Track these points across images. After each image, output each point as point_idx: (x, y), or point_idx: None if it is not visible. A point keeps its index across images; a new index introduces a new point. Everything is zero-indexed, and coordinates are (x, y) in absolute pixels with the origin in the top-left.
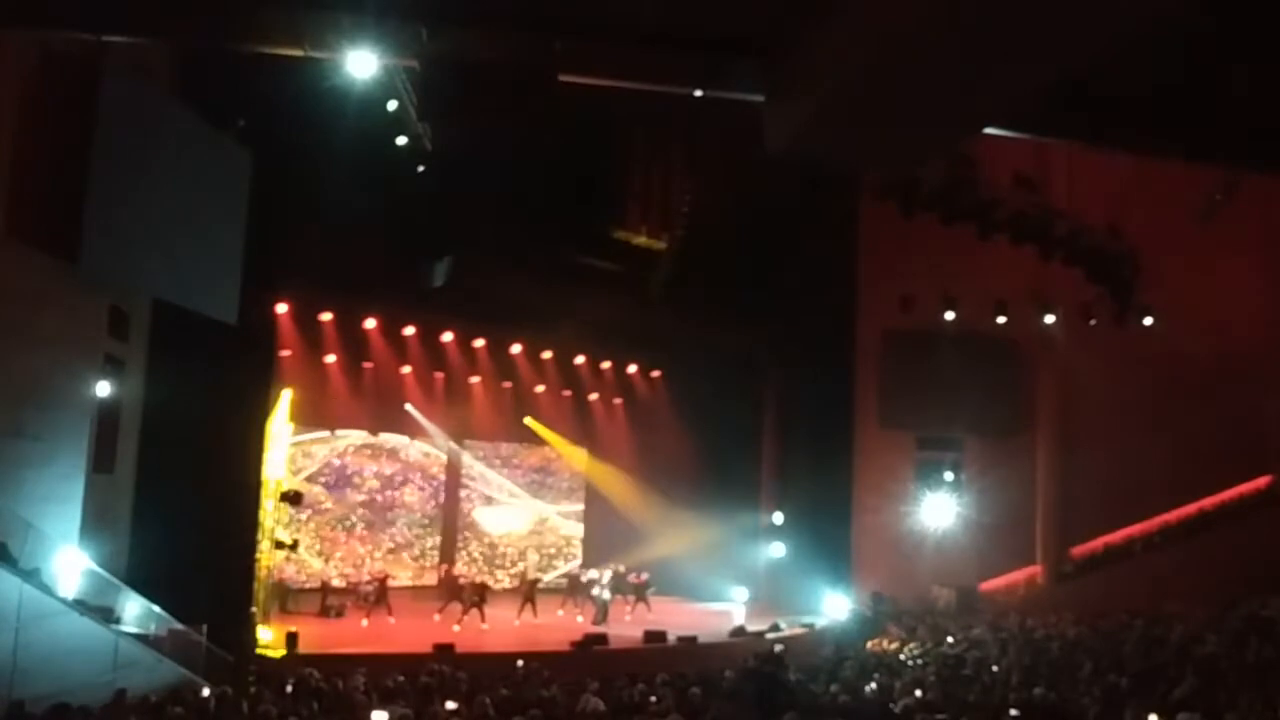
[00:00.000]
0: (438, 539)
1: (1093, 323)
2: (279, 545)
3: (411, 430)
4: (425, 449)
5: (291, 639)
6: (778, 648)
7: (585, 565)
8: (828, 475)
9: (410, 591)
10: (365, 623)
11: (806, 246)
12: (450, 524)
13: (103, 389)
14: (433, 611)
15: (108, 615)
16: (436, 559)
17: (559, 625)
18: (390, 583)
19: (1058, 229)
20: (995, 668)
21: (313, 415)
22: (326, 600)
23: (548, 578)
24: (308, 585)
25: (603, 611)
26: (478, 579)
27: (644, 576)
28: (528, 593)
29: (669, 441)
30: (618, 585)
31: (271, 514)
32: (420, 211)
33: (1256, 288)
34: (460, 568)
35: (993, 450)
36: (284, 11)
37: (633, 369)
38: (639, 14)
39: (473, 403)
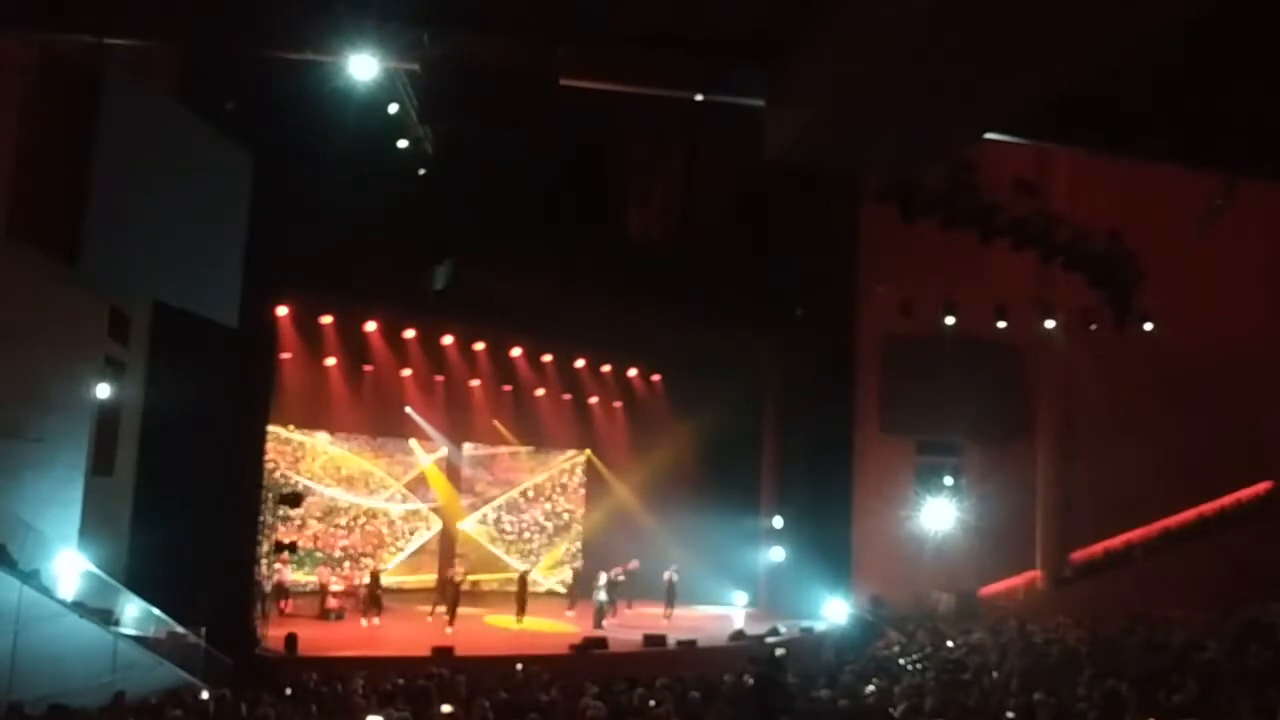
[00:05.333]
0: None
1: (1093, 328)
2: (279, 547)
3: (412, 433)
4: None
5: (291, 641)
6: (778, 651)
7: (585, 568)
8: (827, 479)
9: (409, 594)
10: (365, 624)
11: (807, 250)
12: (450, 526)
13: (103, 391)
14: (427, 613)
15: (107, 617)
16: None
17: (559, 629)
18: (382, 582)
19: (1058, 234)
20: (995, 673)
21: (312, 418)
22: (326, 603)
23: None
24: (307, 588)
25: (600, 614)
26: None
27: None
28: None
29: (669, 445)
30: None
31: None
32: (421, 214)
33: (1258, 294)
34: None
35: (993, 455)
36: (286, 14)
37: (633, 372)
38: (640, 18)
39: (473, 405)
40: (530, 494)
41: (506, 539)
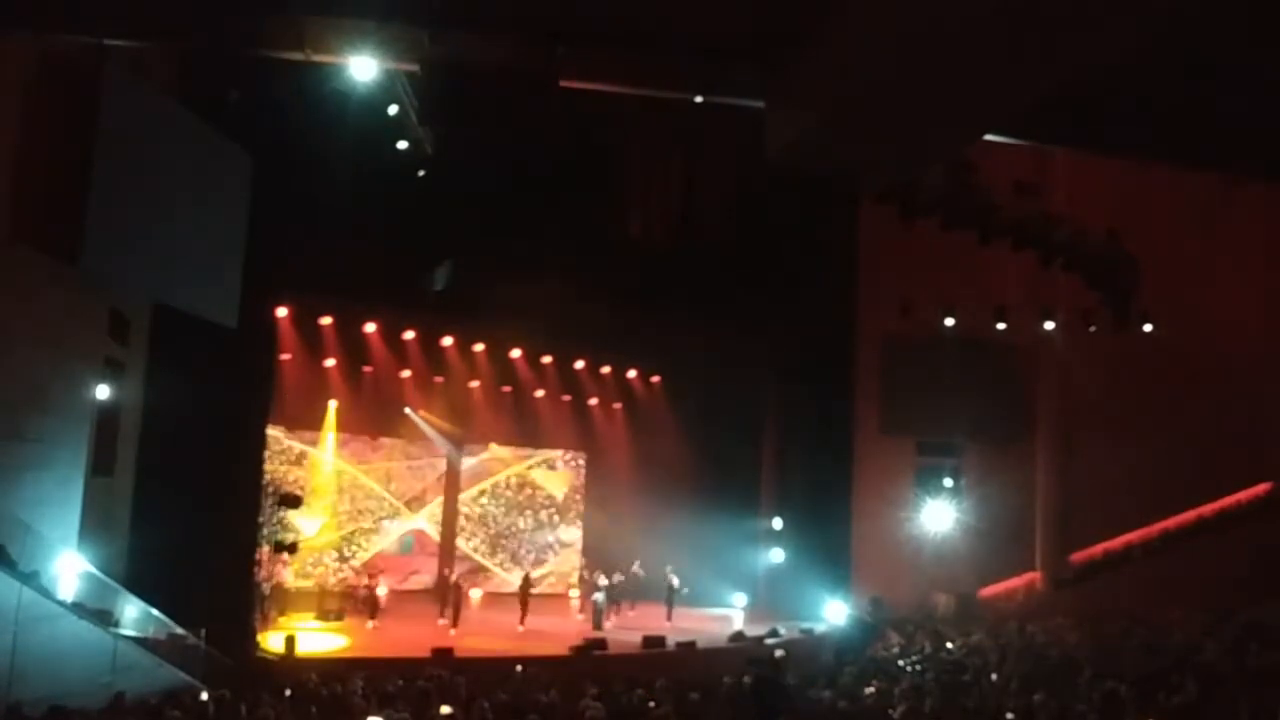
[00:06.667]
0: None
1: (1093, 329)
2: (279, 548)
3: (411, 434)
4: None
5: (290, 642)
6: (777, 653)
7: (584, 569)
8: (827, 480)
9: (407, 595)
10: (370, 624)
11: (806, 251)
12: (449, 526)
13: (102, 392)
14: (425, 615)
15: (106, 618)
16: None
17: (559, 630)
18: (379, 586)
19: (1058, 234)
20: (994, 674)
21: (312, 419)
22: (325, 604)
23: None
24: (306, 589)
25: (599, 616)
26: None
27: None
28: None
29: (668, 446)
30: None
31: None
32: (421, 216)
33: (1256, 295)
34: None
35: (992, 456)
36: (287, 16)
37: (632, 374)
38: (640, 20)
39: (472, 407)
40: (528, 495)
41: (503, 541)
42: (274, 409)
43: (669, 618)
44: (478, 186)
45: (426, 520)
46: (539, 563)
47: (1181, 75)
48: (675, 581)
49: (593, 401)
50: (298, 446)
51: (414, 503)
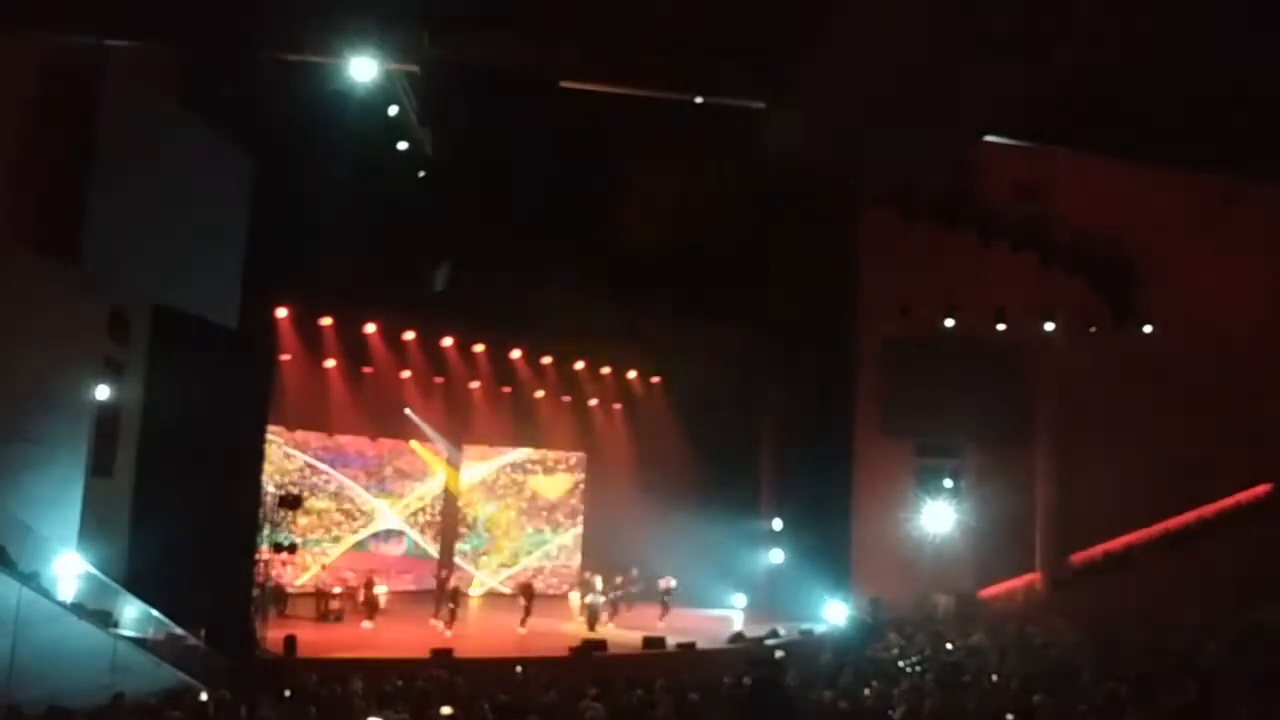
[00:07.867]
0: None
1: (1093, 330)
2: (278, 548)
3: (411, 435)
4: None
5: (290, 643)
6: (777, 653)
7: (583, 570)
8: (827, 481)
9: (407, 596)
10: (366, 625)
11: (807, 251)
12: (450, 526)
13: (102, 392)
14: (424, 616)
15: (106, 619)
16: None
17: (559, 631)
18: (377, 588)
19: (1058, 236)
20: (994, 675)
21: (312, 419)
22: (325, 604)
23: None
24: (305, 590)
25: (594, 617)
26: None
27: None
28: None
29: (668, 447)
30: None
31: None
32: (420, 216)
33: (1257, 296)
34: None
35: (992, 457)
36: (287, 16)
37: (632, 374)
38: (639, 21)
39: (472, 407)
40: (528, 495)
41: (502, 542)
42: (274, 409)
43: (661, 617)
44: (477, 186)
45: (425, 521)
46: (538, 563)
47: (1181, 75)
48: (671, 583)
49: (593, 402)
50: (298, 454)
51: (413, 503)
